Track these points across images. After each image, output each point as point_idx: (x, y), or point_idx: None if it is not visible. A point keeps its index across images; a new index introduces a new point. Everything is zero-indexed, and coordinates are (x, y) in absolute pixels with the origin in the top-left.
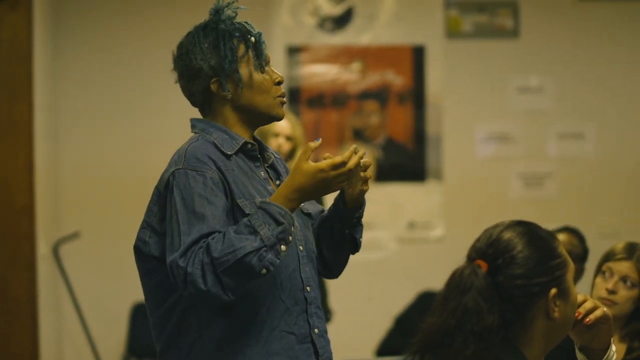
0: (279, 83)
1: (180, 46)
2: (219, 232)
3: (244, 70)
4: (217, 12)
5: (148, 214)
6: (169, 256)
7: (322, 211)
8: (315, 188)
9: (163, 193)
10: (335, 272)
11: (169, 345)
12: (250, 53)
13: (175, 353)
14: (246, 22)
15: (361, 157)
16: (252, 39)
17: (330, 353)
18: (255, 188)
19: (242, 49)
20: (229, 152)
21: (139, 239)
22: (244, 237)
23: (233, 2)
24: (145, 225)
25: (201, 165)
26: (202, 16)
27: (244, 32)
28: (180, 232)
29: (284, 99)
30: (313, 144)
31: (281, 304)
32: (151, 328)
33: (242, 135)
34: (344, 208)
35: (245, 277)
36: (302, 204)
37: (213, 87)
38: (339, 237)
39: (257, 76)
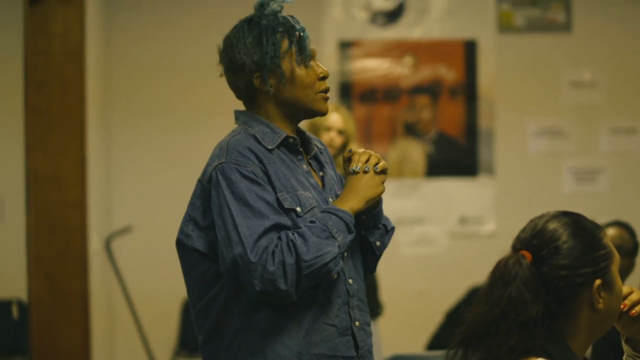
0: (323, 78)
1: (226, 40)
2: (285, 226)
3: (286, 65)
4: (261, 6)
5: (191, 207)
6: (227, 250)
7: None
8: (363, 190)
9: (207, 187)
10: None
11: (211, 336)
12: (294, 48)
13: (217, 343)
14: (291, 16)
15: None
16: (297, 33)
17: (371, 346)
18: (298, 180)
19: (285, 44)
20: (269, 147)
21: (181, 232)
22: (325, 242)
23: None
24: (189, 218)
25: (244, 159)
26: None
27: (287, 27)
28: (237, 224)
29: (327, 95)
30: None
31: (323, 296)
32: (193, 319)
33: (284, 129)
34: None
35: (319, 280)
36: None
37: (256, 81)
38: (363, 240)
39: (300, 71)
